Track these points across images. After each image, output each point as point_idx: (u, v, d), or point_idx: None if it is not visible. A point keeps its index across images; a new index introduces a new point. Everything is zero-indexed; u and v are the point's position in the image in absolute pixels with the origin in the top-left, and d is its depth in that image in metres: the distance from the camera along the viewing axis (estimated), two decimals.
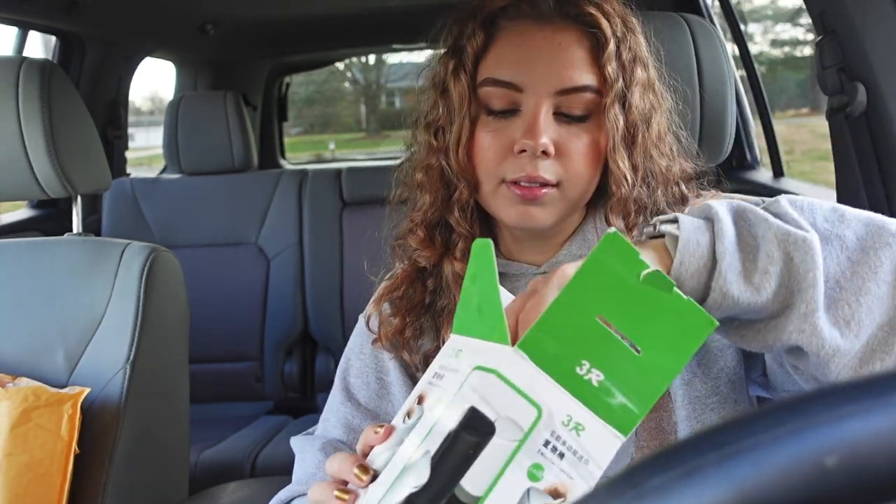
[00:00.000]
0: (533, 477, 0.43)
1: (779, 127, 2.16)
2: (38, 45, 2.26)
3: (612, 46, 0.68)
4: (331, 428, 0.80)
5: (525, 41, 0.69)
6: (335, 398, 0.82)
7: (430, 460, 0.44)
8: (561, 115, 0.69)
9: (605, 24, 0.69)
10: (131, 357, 1.08)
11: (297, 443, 0.81)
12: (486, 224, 0.79)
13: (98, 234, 2.22)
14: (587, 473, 0.44)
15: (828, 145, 1.15)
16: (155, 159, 3.57)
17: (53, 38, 2.19)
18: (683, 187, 0.75)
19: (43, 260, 1.17)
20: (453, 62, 0.73)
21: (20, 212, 2.20)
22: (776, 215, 0.56)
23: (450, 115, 0.73)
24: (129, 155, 2.69)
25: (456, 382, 0.46)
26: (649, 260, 0.50)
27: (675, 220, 0.56)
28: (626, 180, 0.69)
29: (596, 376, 0.45)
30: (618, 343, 0.45)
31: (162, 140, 2.34)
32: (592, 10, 0.69)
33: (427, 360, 0.77)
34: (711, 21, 2.05)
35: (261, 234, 2.26)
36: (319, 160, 5.09)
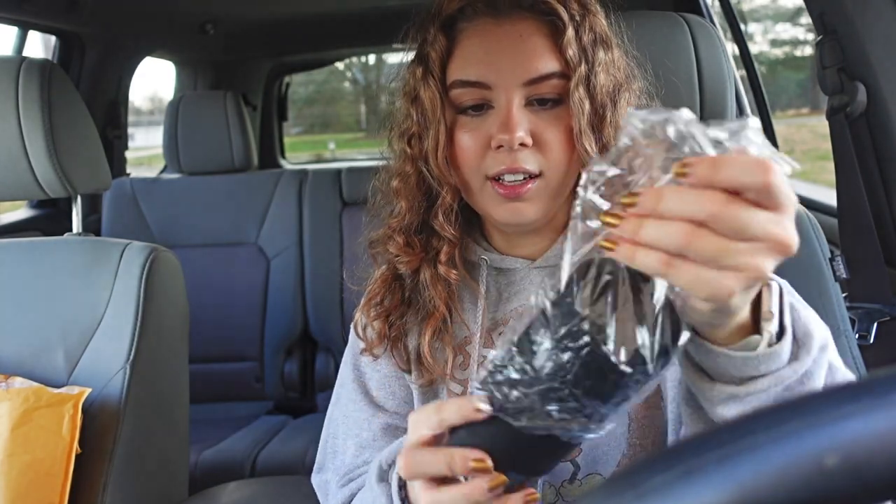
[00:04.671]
0: None
1: (779, 127, 2.16)
2: (39, 45, 2.26)
3: (570, 30, 0.69)
4: (369, 441, 0.79)
5: (486, 39, 0.70)
6: (362, 413, 0.80)
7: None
8: (534, 105, 0.70)
9: (560, 9, 0.69)
10: (131, 357, 1.08)
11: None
12: (470, 224, 0.80)
13: (98, 234, 2.22)
14: None
15: (828, 145, 1.15)
16: (155, 159, 3.57)
17: (53, 38, 2.19)
18: None
19: (43, 260, 1.17)
20: (421, 69, 0.74)
21: (20, 212, 2.20)
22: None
23: (424, 121, 0.73)
24: (129, 155, 2.69)
25: None
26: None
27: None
28: (562, 167, 0.70)
29: None
30: None
31: (162, 140, 2.34)
32: None
33: (419, 357, 0.77)
34: (711, 21, 2.05)
35: (261, 234, 2.26)
36: (319, 160, 5.09)
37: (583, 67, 0.69)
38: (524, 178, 0.69)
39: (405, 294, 0.79)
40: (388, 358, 0.80)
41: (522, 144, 0.68)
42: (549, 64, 0.69)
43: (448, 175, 0.73)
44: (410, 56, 0.76)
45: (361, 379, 0.82)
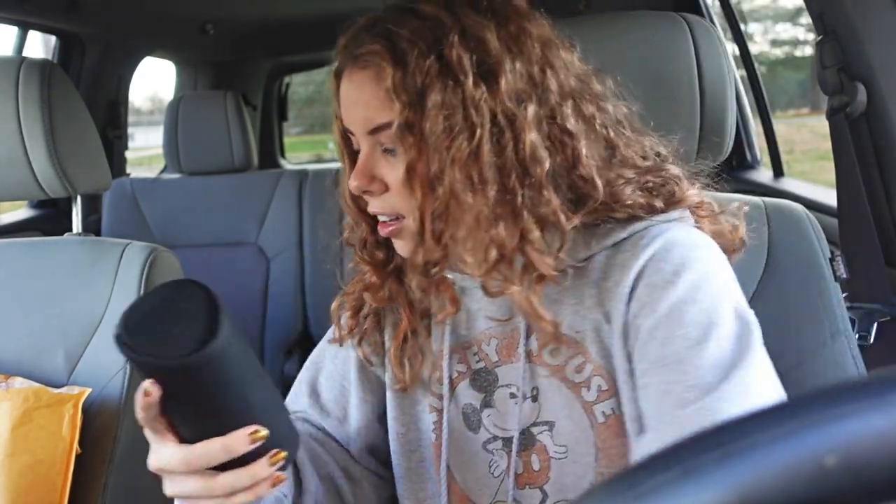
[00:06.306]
0: None
1: (779, 127, 2.16)
2: (39, 45, 2.26)
3: (390, 80, 0.65)
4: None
5: (342, 88, 0.71)
6: (299, 390, 0.87)
7: None
8: (387, 151, 0.69)
9: (379, 59, 0.66)
10: None
11: None
12: None
13: (98, 234, 2.22)
14: None
15: (828, 145, 1.15)
16: (155, 159, 3.57)
17: (53, 38, 2.20)
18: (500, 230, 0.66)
19: (43, 260, 1.17)
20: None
21: (20, 212, 2.20)
22: None
23: None
24: (129, 155, 2.69)
25: None
26: None
27: None
28: (416, 212, 0.67)
29: None
30: None
31: (162, 140, 2.34)
32: (369, 48, 0.67)
33: (403, 355, 0.78)
34: (711, 21, 2.05)
35: (261, 234, 2.26)
36: (319, 160, 5.10)
37: (406, 113, 0.65)
38: (391, 220, 0.71)
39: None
40: (351, 352, 0.83)
41: (368, 192, 0.71)
42: (381, 114, 0.67)
43: (349, 209, 0.78)
44: None
45: (318, 363, 0.86)
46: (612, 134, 0.71)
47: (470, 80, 0.64)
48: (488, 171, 0.64)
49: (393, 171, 0.69)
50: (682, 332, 0.62)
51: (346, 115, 0.71)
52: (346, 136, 0.74)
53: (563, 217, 0.66)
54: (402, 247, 0.73)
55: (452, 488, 0.78)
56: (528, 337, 0.73)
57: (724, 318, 0.63)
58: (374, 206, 0.72)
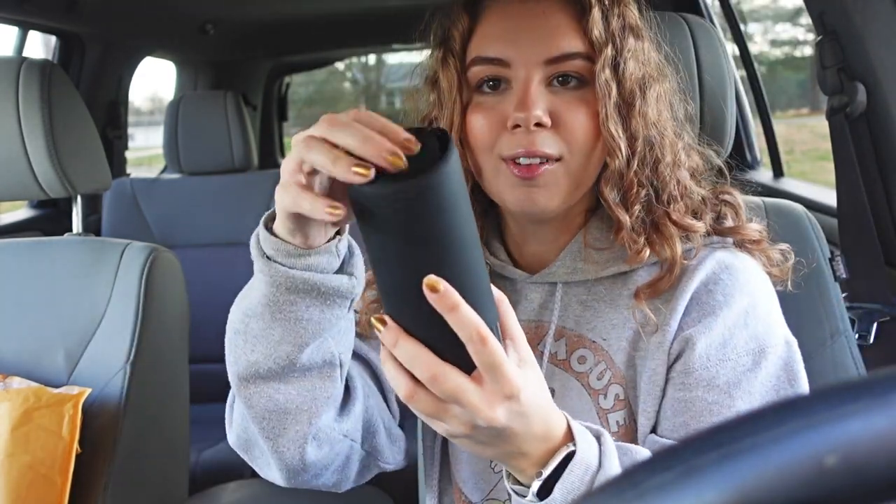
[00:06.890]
0: None
1: (779, 127, 2.16)
2: (39, 45, 2.26)
3: (596, 12, 0.67)
4: None
5: (508, 16, 0.69)
6: None
7: None
8: (555, 86, 0.68)
9: None
10: (131, 357, 1.08)
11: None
12: (491, 214, 0.78)
13: (98, 234, 2.22)
14: None
15: (828, 145, 1.15)
16: (155, 159, 3.57)
17: (53, 38, 2.20)
18: (687, 177, 0.71)
19: (43, 260, 1.17)
20: (441, 51, 0.72)
21: (20, 212, 2.20)
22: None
23: (441, 103, 0.72)
24: (129, 155, 2.69)
25: None
26: None
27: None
28: (620, 151, 0.66)
29: None
30: None
31: (162, 140, 2.34)
32: None
33: None
34: (711, 21, 2.05)
35: None
36: None
37: (609, 50, 0.66)
38: (541, 162, 0.66)
39: None
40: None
41: (539, 125, 0.65)
42: (573, 43, 0.67)
43: (463, 157, 0.70)
44: (427, 52, 0.75)
45: None
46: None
47: (645, 40, 0.71)
48: (670, 122, 0.71)
49: (567, 105, 0.67)
50: (735, 357, 0.64)
51: (510, 43, 0.67)
52: (460, 75, 0.70)
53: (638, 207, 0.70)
54: (538, 196, 0.67)
55: (447, 476, 0.77)
56: (556, 339, 0.72)
57: (773, 344, 0.66)
58: (535, 143, 0.65)
